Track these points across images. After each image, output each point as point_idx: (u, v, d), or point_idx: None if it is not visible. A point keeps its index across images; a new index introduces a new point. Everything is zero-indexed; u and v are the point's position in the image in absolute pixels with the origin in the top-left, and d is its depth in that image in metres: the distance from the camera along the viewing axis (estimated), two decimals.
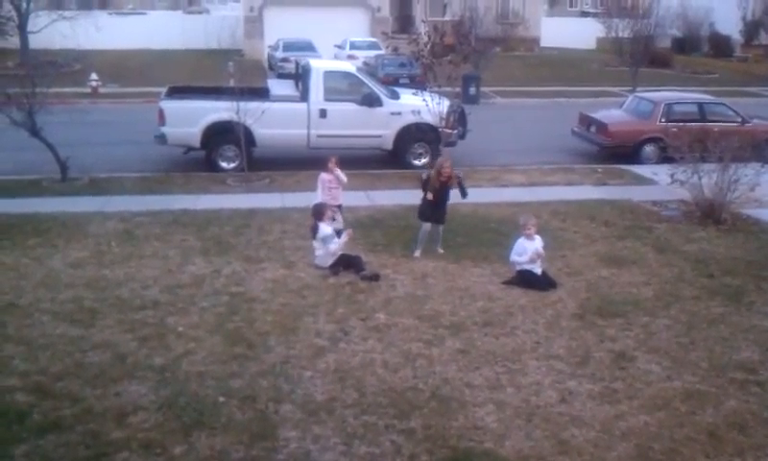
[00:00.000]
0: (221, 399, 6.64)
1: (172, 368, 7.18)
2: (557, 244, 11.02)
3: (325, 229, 10.00)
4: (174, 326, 8.10)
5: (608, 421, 6.41)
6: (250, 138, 15.36)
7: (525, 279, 9.44)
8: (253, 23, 41.47)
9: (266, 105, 15.21)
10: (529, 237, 9.57)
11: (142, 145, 17.17)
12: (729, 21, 46.07)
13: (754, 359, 7.61)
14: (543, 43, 49.39)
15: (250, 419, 6.34)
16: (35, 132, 14.26)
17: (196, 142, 15.74)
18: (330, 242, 9.92)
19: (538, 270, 9.54)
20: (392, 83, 23.44)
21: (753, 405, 6.74)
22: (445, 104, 15.67)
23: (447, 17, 42.04)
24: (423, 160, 16.51)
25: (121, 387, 6.79)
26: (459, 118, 16.71)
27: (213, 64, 27.64)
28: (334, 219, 10.55)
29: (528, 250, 9.49)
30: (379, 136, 16.37)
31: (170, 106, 15.75)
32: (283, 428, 6.22)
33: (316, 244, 10.04)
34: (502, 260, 10.22)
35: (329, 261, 9.86)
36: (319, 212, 10.17)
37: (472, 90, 27.70)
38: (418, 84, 21.77)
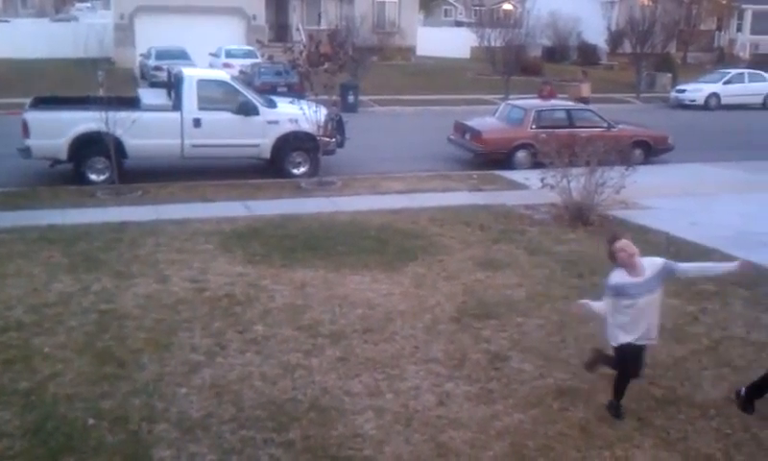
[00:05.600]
0: (91, 421, 6.36)
1: (38, 391, 6.83)
2: (435, 249, 11.19)
3: (621, 275, 6.26)
4: (40, 347, 7.70)
5: (484, 421, 6.53)
6: (120, 149, 14.87)
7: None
8: (124, 31, 40.27)
9: (136, 114, 14.81)
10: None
11: (5, 158, 16.30)
12: (595, 31, 48.32)
13: None
14: (420, 52, 50.20)
15: (121, 440, 6.10)
16: None
17: (63, 154, 15.09)
18: (623, 299, 6.25)
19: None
20: (269, 91, 23.26)
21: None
22: (323, 112, 15.67)
23: (323, 26, 42.09)
24: (302, 169, 16.44)
25: None
26: (337, 126, 16.75)
27: (82, 74, 26.62)
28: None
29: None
30: (256, 146, 16.18)
31: (34, 117, 15.04)
32: (157, 448, 6.01)
33: (601, 305, 6.47)
34: (381, 267, 10.28)
35: (619, 336, 6.38)
36: (614, 239, 6.36)
37: (351, 99, 27.90)
38: (295, 92, 21.72)
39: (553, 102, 20.79)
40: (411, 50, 49.49)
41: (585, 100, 24.43)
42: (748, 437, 6.38)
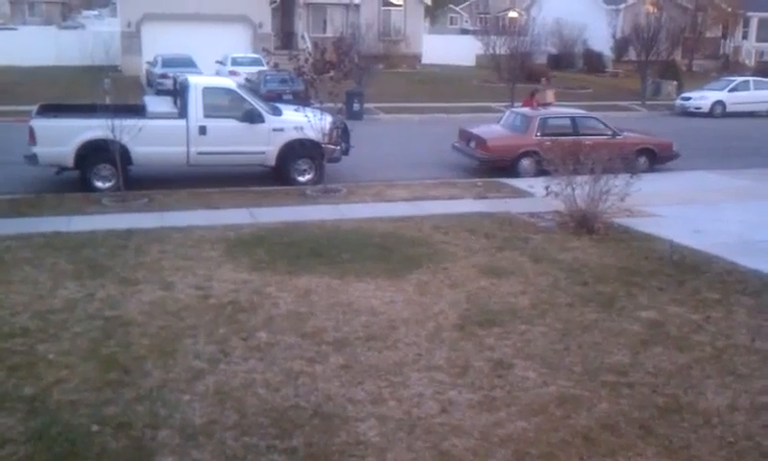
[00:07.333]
0: (94, 427, 6.38)
1: (42, 397, 6.86)
2: (439, 257, 11.20)
3: None
4: (45, 353, 7.74)
5: (487, 428, 6.53)
6: (126, 157, 14.93)
7: None
8: (131, 38, 40.39)
9: (142, 122, 14.87)
10: None
11: (12, 166, 16.40)
12: (600, 38, 48.39)
13: (624, 362, 7.92)
14: (425, 60, 50.26)
15: (125, 447, 6.12)
16: None
17: (69, 162, 15.17)
18: None
19: None
20: (275, 99, 23.32)
21: (624, 407, 7.00)
22: (328, 120, 15.72)
23: (329, 34, 42.21)
24: (308, 177, 16.47)
25: None
26: (342, 134, 16.79)
27: (89, 81, 26.79)
28: None
29: None
30: (262, 153, 16.24)
31: (41, 124, 15.14)
32: (160, 455, 6.03)
33: None
34: (385, 275, 10.30)
35: None
36: None
37: (356, 106, 27.93)
38: (301, 100, 21.79)
39: (558, 109, 20.82)
40: (416, 57, 49.55)
41: (549, 105, 24.38)
42: (751, 445, 6.37)
